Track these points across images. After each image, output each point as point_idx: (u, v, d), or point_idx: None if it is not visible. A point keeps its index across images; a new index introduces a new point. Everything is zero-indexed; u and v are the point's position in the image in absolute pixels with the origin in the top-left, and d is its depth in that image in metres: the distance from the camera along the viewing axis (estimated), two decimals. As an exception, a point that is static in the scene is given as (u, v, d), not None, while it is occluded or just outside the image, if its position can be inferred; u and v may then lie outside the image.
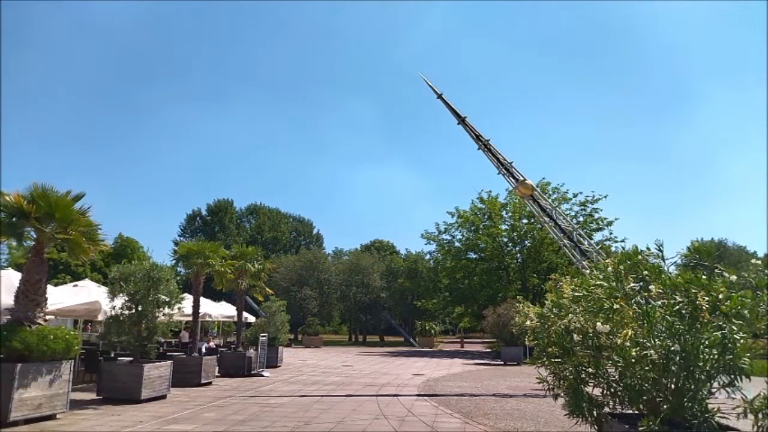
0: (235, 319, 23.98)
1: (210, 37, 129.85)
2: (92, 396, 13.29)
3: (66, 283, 28.71)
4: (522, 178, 25.25)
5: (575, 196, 42.91)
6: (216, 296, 29.22)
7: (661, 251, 6.01)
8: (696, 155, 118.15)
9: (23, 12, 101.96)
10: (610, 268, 5.87)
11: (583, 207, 42.63)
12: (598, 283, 5.85)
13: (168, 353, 17.20)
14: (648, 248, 6.12)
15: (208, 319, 26.83)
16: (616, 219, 41.85)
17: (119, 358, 14.36)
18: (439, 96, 25.62)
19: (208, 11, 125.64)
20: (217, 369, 18.20)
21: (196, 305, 17.48)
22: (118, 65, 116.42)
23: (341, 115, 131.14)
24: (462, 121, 25.72)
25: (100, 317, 14.70)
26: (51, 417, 10.19)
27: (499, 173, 25.71)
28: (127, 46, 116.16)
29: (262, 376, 19.63)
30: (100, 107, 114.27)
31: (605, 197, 41.99)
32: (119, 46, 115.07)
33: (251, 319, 28.92)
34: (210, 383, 16.63)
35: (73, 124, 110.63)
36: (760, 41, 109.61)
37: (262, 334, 21.58)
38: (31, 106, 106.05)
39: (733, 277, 5.60)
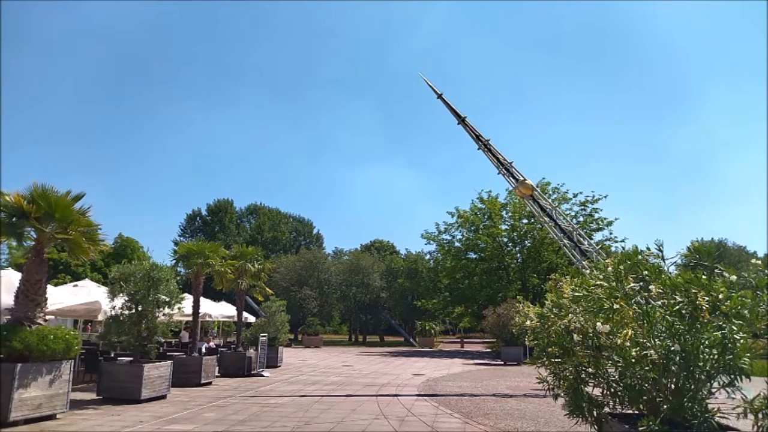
0: (235, 319, 23.97)
1: (210, 37, 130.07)
2: (92, 396, 13.29)
3: (66, 283, 28.71)
4: (522, 178, 25.25)
5: (575, 196, 42.95)
6: (216, 296, 29.22)
7: (661, 251, 6.01)
8: (696, 155, 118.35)
9: (23, 12, 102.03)
10: (610, 268, 5.87)
11: (583, 207, 42.65)
12: (598, 283, 5.85)
13: (168, 353, 17.20)
14: (648, 248, 6.12)
15: (208, 319, 26.83)
16: (616, 219, 41.90)
17: (119, 358, 14.36)
18: (439, 96, 25.63)
19: (208, 11, 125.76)
20: (217, 369, 18.20)
21: (196, 305, 17.48)
22: (118, 65, 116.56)
23: (341, 114, 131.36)
24: (462, 121, 25.73)
25: (100, 317, 14.70)
26: (51, 417, 10.19)
27: (499, 173, 25.72)
28: (126, 46, 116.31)
29: (262, 376, 19.62)
30: (100, 107, 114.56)
31: (605, 197, 42.02)
32: (119, 45, 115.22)
33: (251, 319, 28.92)
34: (210, 383, 16.63)
35: (73, 124, 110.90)
36: (760, 41, 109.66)
37: (262, 334, 21.58)
38: (31, 106, 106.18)
39: (733, 277, 5.61)
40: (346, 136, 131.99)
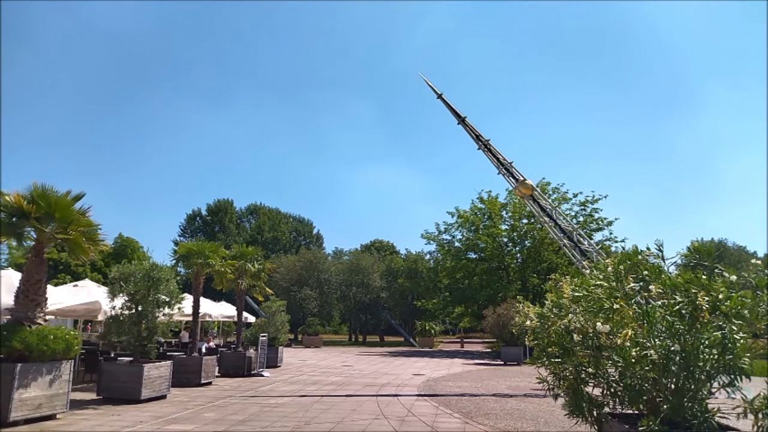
0: (235, 319, 23.97)
1: (210, 36, 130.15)
2: (92, 396, 13.29)
3: (66, 283, 28.70)
4: (522, 178, 25.24)
5: (575, 196, 42.99)
6: (216, 296, 29.23)
7: (661, 251, 6.01)
8: (696, 155, 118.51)
9: (23, 12, 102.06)
10: (610, 268, 5.87)
11: (583, 207, 42.69)
12: (598, 283, 5.85)
13: (168, 353, 17.21)
14: (648, 248, 6.13)
15: (208, 319, 26.83)
16: (616, 219, 41.95)
17: (119, 358, 14.36)
18: (439, 96, 25.64)
19: (208, 11, 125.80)
20: (217, 369, 18.20)
21: (196, 305, 17.48)
22: (118, 65, 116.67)
23: (341, 114, 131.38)
24: (462, 121, 25.74)
25: (100, 317, 14.70)
26: (51, 417, 10.19)
27: (499, 173, 25.71)
28: (127, 46, 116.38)
29: (262, 376, 19.63)
30: (101, 107, 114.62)
31: (605, 197, 42.05)
32: (120, 46, 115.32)
33: (251, 319, 28.93)
34: (210, 383, 16.63)
35: (73, 123, 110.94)
36: (760, 41, 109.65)
37: (262, 334, 21.58)
38: (31, 106, 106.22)
39: (733, 277, 5.61)
40: (346, 135, 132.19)
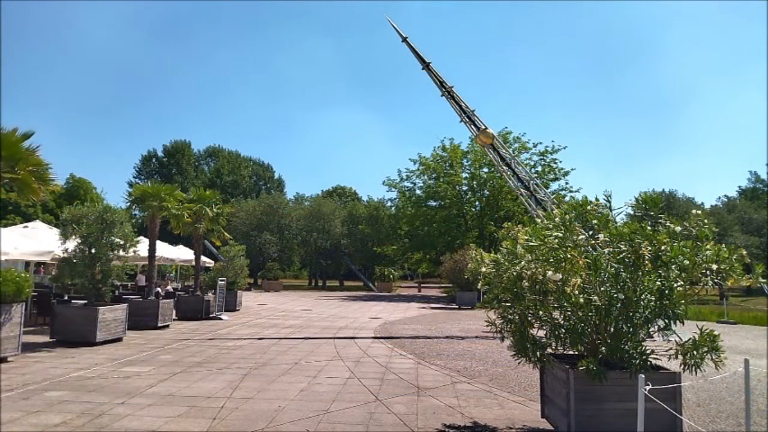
0: (194, 263, 23.78)
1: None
2: (45, 339, 13.09)
3: (16, 224, 27.80)
4: (483, 127, 25.30)
5: (535, 146, 43.56)
6: (174, 240, 28.84)
7: (609, 202, 6.22)
8: (652, 108, 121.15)
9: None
10: (557, 219, 6.05)
11: (542, 157, 43.34)
12: (551, 233, 6.02)
13: (124, 296, 17.05)
14: (597, 199, 6.33)
15: (164, 263, 26.51)
16: (572, 169, 42.82)
17: (73, 301, 14.16)
18: (404, 40, 25.26)
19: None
20: (174, 312, 18.16)
21: (152, 248, 17.21)
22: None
23: (300, 54, 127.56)
24: (426, 66, 25.52)
25: (52, 260, 14.39)
26: (2, 360, 10.08)
27: (461, 121, 25.69)
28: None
29: (221, 319, 19.71)
30: (53, 41, 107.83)
31: (564, 148, 42.76)
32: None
33: (210, 263, 28.76)
34: (167, 326, 16.62)
35: (25, 59, 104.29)
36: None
37: (220, 278, 21.53)
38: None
39: (678, 228, 5.86)
40: (306, 77, 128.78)
